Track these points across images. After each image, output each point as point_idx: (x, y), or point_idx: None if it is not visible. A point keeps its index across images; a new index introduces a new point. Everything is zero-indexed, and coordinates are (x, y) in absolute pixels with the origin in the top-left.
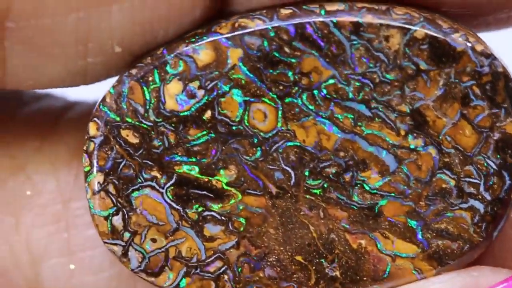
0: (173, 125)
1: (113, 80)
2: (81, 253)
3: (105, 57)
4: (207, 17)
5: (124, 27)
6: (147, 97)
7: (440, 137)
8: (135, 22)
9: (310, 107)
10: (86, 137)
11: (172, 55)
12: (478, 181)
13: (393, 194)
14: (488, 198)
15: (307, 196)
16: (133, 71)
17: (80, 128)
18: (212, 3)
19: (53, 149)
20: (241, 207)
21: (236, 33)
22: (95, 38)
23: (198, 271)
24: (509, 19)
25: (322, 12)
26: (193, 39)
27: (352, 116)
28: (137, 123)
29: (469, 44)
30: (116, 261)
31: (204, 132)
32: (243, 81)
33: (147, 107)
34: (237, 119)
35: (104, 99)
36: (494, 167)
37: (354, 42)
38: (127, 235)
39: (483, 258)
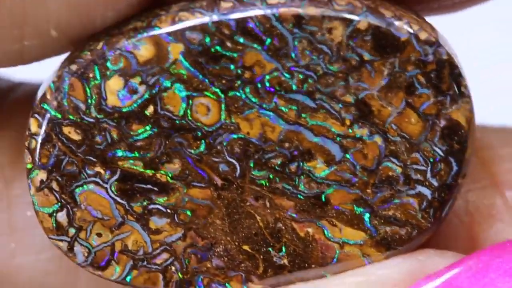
0: (115, 121)
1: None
2: (22, 232)
3: (41, 40)
4: (146, 2)
5: (60, 11)
6: (88, 94)
7: (386, 126)
8: (71, 6)
9: (254, 99)
10: (27, 133)
11: (112, 51)
12: (425, 168)
13: (339, 183)
14: (435, 184)
15: (253, 187)
16: (73, 67)
17: (24, 110)
18: None
19: None
20: (186, 199)
21: (176, 27)
22: (31, 22)
23: (145, 263)
24: (453, 6)
25: (263, 4)
26: (133, 34)
27: (296, 108)
28: (78, 119)
29: (412, 33)
30: None
31: (147, 127)
32: (185, 76)
33: (89, 103)
34: (180, 114)
35: (44, 95)
36: (441, 153)
37: (297, 35)
38: (72, 230)
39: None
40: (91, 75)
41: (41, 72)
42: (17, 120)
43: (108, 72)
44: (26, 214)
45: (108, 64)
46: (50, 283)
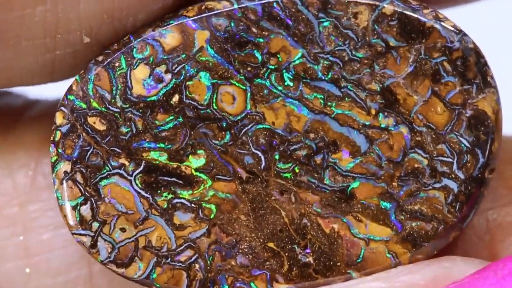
0: (140, 110)
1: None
2: (38, 256)
3: (73, 48)
4: (178, 5)
5: (93, 17)
6: (114, 83)
7: (412, 115)
8: (104, 11)
9: (279, 88)
10: (53, 127)
11: (139, 39)
12: (451, 160)
13: (365, 176)
14: (462, 176)
15: (278, 180)
16: (100, 58)
17: (40, 128)
18: None
19: (10, 149)
20: (211, 193)
21: (203, 15)
22: (63, 29)
23: (168, 260)
24: None
25: None
26: (159, 23)
27: (321, 96)
28: (104, 109)
29: (438, 20)
30: (73, 264)
31: (172, 117)
32: (210, 64)
33: (114, 93)
34: (205, 103)
35: (70, 87)
36: (467, 144)
37: (322, 20)
38: (95, 225)
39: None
40: (117, 64)
41: (58, 90)
42: (32, 140)
43: (134, 61)
44: (41, 238)
45: (134, 53)
46: None
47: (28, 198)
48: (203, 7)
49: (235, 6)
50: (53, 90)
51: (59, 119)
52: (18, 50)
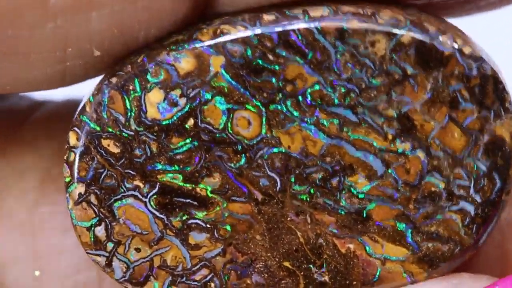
0: (155, 134)
1: (91, 82)
2: (47, 259)
3: (84, 60)
4: (190, 19)
5: (103, 32)
6: (128, 106)
7: (429, 141)
8: (114, 25)
9: (295, 113)
10: (66, 147)
11: (153, 63)
12: (468, 184)
13: (381, 198)
14: (479, 200)
15: (294, 202)
16: (113, 80)
17: (47, 130)
18: (195, 5)
19: (17, 152)
20: (226, 214)
21: (218, 40)
22: (73, 44)
23: (184, 279)
24: (501, 1)
25: (306, 17)
26: (174, 47)
27: (337, 122)
28: (118, 132)
29: (456, 47)
30: (82, 267)
31: (187, 141)
32: (226, 89)
33: (128, 116)
34: (221, 127)
35: (84, 108)
36: (484, 169)
37: (339, 49)
38: (110, 245)
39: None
40: (131, 87)
41: (64, 90)
42: (40, 142)
43: (148, 85)
44: (51, 241)
45: (149, 76)
46: None
47: (37, 201)
48: (218, 31)
49: (251, 31)
50: (58, 91)
51: (72, 139)
52: (27, 63)
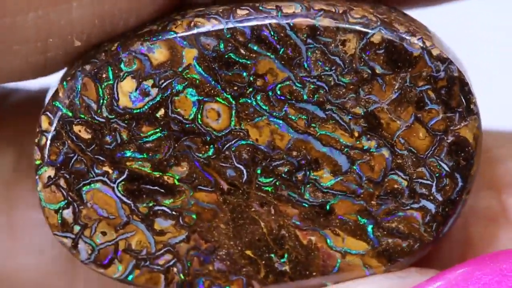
0: (126, 122)
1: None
2: (23, 232)
3: (64, 50)
4: (168, 8)
5: (84, 22)
6: (101, 94)
7: (394, 139)
8: (95, 16)
9: (264, 107)
10: (37, 130)
11: (127, 53)
12: (430, 183)
13: (345, 193)
14: (440, 199)
15: (259, 193)
16: (87, 67)
17: (20, 115)
18: None
19: None
20: (192, 202)
21: (191, 32)
22: (55, 34)
23: (147, 263)
24: None
25: (279, 14)
26: (148, 37)
27: (306, 117)
28: (89, 119)
29: (425, 49)
30: (57, 242)
31: (157, 130)
32: (197, 81)
33: (100, 103)
34: (191, 117)
35: (57, 93)
36: (447, 169)
37: (310, 46)
38: (77, 228)
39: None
40: (104, 75)
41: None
42: (13, 126)
43: (121, 74)
44: (27, 216)
45: (122, 65)
46: (50, 284)
47: (13, 179)
48: (192, 24)
49: (224, 25)
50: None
51: (44, 124)
52: (9, 53)
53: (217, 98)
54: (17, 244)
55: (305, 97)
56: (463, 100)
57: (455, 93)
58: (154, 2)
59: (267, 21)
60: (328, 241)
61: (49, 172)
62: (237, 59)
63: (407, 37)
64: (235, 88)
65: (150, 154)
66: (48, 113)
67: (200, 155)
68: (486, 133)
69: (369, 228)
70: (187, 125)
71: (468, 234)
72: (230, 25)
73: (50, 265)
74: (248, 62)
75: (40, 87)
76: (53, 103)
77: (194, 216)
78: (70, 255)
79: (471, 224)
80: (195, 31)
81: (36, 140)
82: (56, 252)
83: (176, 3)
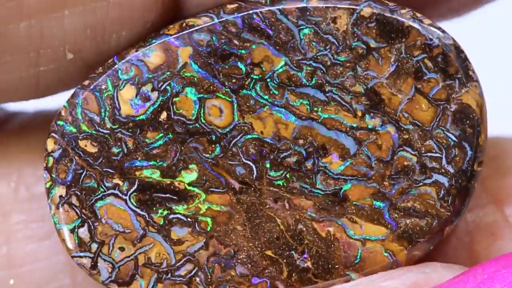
0: (130, 130)
1: (65, 96)
2: (21, 267)
3: (57, 64)
4: (161, 22)
5: (76, 32)
6: (102, 105)
7: (398, 114)
8: (87, 26)
9: (265, 97)
10: (45, 154)
11: (123, 61)
12: (439, 155)
13: (356, 177)
14: (451, 170)
15: (271, 189)
16: (86, 82)
17: (20, 140)
18: (166, 6)
19: None
20: (205, 207)
21: (184, 32)
22: (47, 45)
23: (169, 276)
24: (475, 2)
25: (268, 1)
26: (142, 43)
27: (307, 102)
28: (94, 132)
29: (416, 18)
30: (57, 274)
31: (162, 134)
32: (195, 79)
33: (103, 115)
34: (193, 117)
35: (59, 113)
36: (454, 139)
37: (302, 27)
38: (94, 246)
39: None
40: (103, 86)
41: (36, 102)
42: (14, 152)
43: (120, 82)
44: (25, 249)
45: (120, 74)
46: None
47: (11, 209)
48: (184, 24)
49: (216, 20)
50: (32, 103)
51: (50, 145)
52: (1, 65)
53: (217, 94)
54: (16, 278)
55: (303, 81)
56: (461, 67)
57: (451, 60)
58: (146, 15)
59: (257, 9)
60: (347, 230)
61: (60, 191)
62: (232, 50)
63: (397, 10)
64: (234, 80)
65: (157, 161)
66: (53, 134)
67: (208, 155)
68: (494, 139)
69: (385, 210)
70: (190, 126)
71: (474, 252)
72: (221, 19)
73: None
74: (243, 52)
75: (37, 110)
76: (57, 123)
77: (209, 221)
78: (70, 287)
79: (477, 242)
80: (187, 30)
81: (44, 164)
82: (55, 285)
83: (171, 18)
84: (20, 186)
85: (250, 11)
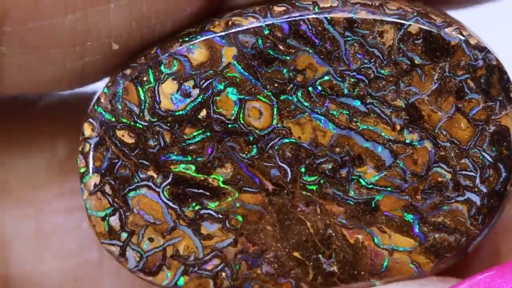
0: (168, 124)
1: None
2: (50, 238)
3: (102, 55)
4: (204, 12)
5: (122, 24)
6: (142, 97)
7: (436, 131)
8: (133, 18)
9: (306, 103)
10: (81, 138)
11: (166, 54)
12: (474, 174)
13: (389, 189)
14: (484, 190)
15: (304, 193)
16: (127, 72)
17: (54, 117)
18: None
19: (27, 136)
20: (238, 205)
21: (230, 31)
22: (93, 37)
23: (196, 269)
24: None
25: (316, 9)
26: (187, 38)
27: (347, 112)
28: (132, 123)
29: (462, 38)
30: (84, 247)
31: (200, 131)
32: (238, 79)
33: (142, 107)
34: (233, 117)
35: (98, 99)
36: (490, 159)
37: (349, 38)
38: (124, 235)
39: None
40: (145, 78)
41: None
42: (47, 128)
43: (162, 76)
44: (54, 221)
45: (162, 67)
46: None
47: (43, 182)
48: (230, 23)
49: (262, 22)
50: None
51: (87, 130)
52: (46, 57)
53: (258, 96)
54: (44, 249)
55: (345, 91)
56: (503, 89)
57: (494, 81)
58: (191, 6)
59: (304, 16)
60: (375, 239)
61: (95, 179)
62: (276, 55)
63: (444, 27)
64: (276, 85)
65: (193, 157)
66: (90, 119)
67: (244, 155)
68: None
69: (416, 223)
70: (229, 125)
71: (497, 246)
72: (268, 22)
73: (76, 271)
74: (287, 58)
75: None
76: (95, 109)
77: (240, 219)
78: (97, 261)
79: (500, 235)
80: (233, 29)
81: (80, 148)
82: (82, 258)
83: (213, 7)
84: (53, 160)
85: (298, 18)
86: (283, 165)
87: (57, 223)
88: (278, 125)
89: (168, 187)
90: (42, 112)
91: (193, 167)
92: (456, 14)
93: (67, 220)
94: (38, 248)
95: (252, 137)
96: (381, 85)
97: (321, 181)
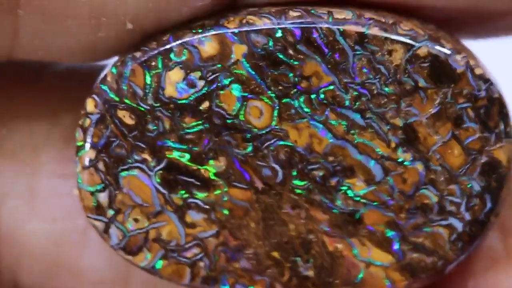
0: (169, 111)
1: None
2: (42, 199)
3: (116, 32)
4: (221, 5)
5: (139, 4)
6: (148, 81)
7: (429, 154)
8: (150, 0)
9: (306, 109)
10: (82, 112)
11: (178, 43)
12: (460, 201)
13: (375, 204)
14: (468, 218)
15: (292, 195)
16: (137, 54)
17: (60, 85)
18: None
19: (32, 100)
20: (225, 198)
21: (243, 29)
22: (109, 13)
23: (175, 255)
24: (497, 30)
25: (330, 19)
26: (200, 30)
27: (345, 123)
28: (135, 105)
29: (469, 67)
30: (71, 214)
31: (199, 122)
32: (244, 77)
33: (147, 91)
34: (233, 113)
35: (105, 77)
36: (478, 189)
37: (358, 52)
38: (110, 212)
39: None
40: (153, 63)
41: None
42: (53, 94)
43: (170, 63)
44: (47, 183)
45: (172, 55)
46: (59, 254)
47: (42, 145)
48: (244, 21)
49: (275, 25)
50: None
51: (89, 106)
52: (62, 28)
53: (261, 96)
54: (34, 209)
55: (347, 103)
56: (501, 122)
57: (493, 114)
58: None
59: (318, 25)
60: (354, 250)
61: (90, 154)
62: (285, 59)
63: (453, 54)
64: (280, 87)
65: (190, 146)
66: (94, 96)
67: (239, 151)
68: None
69: (396, 241)
70: (229, 120)
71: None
72: (282, 25)
73: (63, 236)
74: (295, 63)
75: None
76: (100, 86)
77: (226, 212)
78: (82, 228)
79: (474, 262)
80: (246, 28)
81: (80, 122)
82: (69, 223)
83: (229, 3)
84: (55, 125)
85: (311, 25)
86: (275, 166)
87: (50, 186)
88: (277, 127)
89: (161, 172)
90: (48, 80)
91: (187, 156)
92: (467, 42)
93: (60, 184)
94: (27, 209)
95: (249, 135)
96: (382, 102)
97: (310, 187)
